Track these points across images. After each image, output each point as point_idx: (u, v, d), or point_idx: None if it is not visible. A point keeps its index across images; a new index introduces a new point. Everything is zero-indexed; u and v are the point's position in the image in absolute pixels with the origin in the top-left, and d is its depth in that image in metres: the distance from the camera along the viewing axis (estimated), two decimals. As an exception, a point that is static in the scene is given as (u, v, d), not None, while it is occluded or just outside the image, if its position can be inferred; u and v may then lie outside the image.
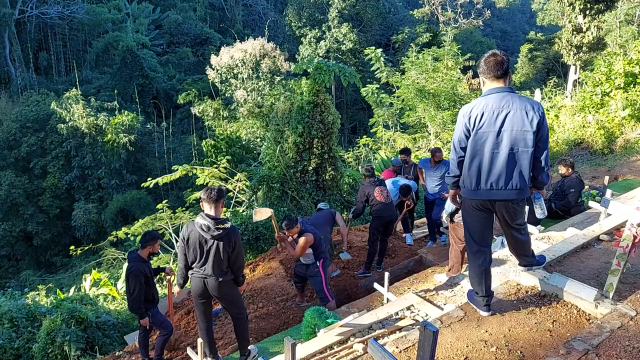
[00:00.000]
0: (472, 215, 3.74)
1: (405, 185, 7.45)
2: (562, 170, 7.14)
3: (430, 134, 17.34)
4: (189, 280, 4.44)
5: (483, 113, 3.45)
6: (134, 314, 5.42)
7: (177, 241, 12.55)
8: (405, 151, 8.38)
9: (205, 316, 4.52)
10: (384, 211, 6.53)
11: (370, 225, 6.77)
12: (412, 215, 8.42)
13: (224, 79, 24.21)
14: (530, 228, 5.28)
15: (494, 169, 3.49)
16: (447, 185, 3.95)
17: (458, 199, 3.92)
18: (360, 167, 16.28)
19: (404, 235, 8.07)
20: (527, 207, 5.30)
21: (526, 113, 3.38)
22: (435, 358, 2.94)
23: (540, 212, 3.94)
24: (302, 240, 5.44)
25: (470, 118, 3.50)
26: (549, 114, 12.75)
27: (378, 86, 19.75)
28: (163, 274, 5.77)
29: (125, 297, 5.73)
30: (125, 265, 6.13)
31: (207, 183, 12.99)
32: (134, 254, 5.20)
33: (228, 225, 4.17)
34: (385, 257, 7.10)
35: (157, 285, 9.63)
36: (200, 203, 4.29)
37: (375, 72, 20.55)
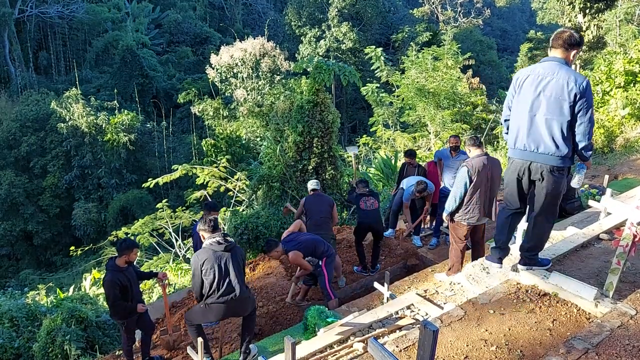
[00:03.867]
0: (510, 175, 3.92)
1: (422, 181, 7.05)
2: None
3: (430, 133, 17.33)
4: (204, 302, 4.48)
5: (529, 76, 3.63)
6: (114, 320, 5.38)
7: (177, 240, 12.56)
8: (410, 154, 8.00)
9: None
10: (364, 218, 6.78)
11: (354, 229, 7.07)
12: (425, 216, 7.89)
13: (223, 78, 24.20)
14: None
15: (529, 131, 3.63)
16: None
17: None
18: (360, 165, 16.28)
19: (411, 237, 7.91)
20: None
21: (567, 83, 3.47)
22: (436, 357, 2.94)
23: (575, 181, 3.84)
24: (293, 259, 5.62)
25: (518, 79, 3.71)
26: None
27: (378, 85, 19.72)
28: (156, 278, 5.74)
29: None
30: None
31: (207, 182, 13.01)
32: (111, 261, 5.11)
33: (231, 239, 4.56)
34: (380, 256, 7.14)
35: (158, 285, 9.64)
36: (202, 236, 4.63)
37: (375, 71, 20.52)
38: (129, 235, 12.71)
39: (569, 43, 3.53)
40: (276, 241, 5.72)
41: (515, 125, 3.73)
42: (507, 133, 3.92)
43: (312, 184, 6.97)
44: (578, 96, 3.43)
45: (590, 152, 3.61)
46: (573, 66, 3.81)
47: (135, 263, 5.29)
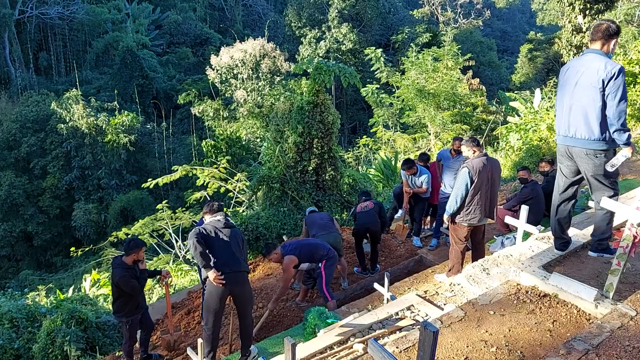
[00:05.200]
0: (560, 161, 4.17)
1: (409, 159, 7.50)
2: (543, 166, 7.17)
3: (430, 134, 17.34)
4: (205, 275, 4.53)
5: (569, 68, 3.92)
6: (118, 319, 5.38)
7: (177, 241, 12.57)
8: (424, 157, 7.86)
9: (219, 318, 4.61)
10: (360, 220, 6.96)
11: (353, 232, 7.19)
12: (425, 213, 7.92)
13: (223, 79, 24.22)
14: (530, 228, 5.28)
15: (569, 118, 3.91)
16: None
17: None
18: (360, 166, 16.29)
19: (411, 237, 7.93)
20: (525, 211, 5.30)
21: (597, 71, 3.65)
22: (436, 358, 2.94)
23: (610, 166, 3.84)
24: (284, 264, 5.51)
25: (561, 72, 4.03)
26: (548, 113, 12.71)
27: (378, 86, 19.75)
28: (160, 276, 5.75)
29: None
30: None
31: (207, 183, 13.02)
32: (118, 259, 5.10)
33: (231, 220, 4.72)
34: (380, 257, 7.15)
35: (158, 285, 9.66)
36: (203, 217, 4.80)
37: (375, 72, 20.54)
38: (129, 236, 12.72)
39: (608, 34, 3.73)
40: (275, 244, 5.65)
41: (559, 114, 4.04)
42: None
43: (309, 208, 7.43)
44: (606, 82, 3.62)
45: (626, 136, 3.69)
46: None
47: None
